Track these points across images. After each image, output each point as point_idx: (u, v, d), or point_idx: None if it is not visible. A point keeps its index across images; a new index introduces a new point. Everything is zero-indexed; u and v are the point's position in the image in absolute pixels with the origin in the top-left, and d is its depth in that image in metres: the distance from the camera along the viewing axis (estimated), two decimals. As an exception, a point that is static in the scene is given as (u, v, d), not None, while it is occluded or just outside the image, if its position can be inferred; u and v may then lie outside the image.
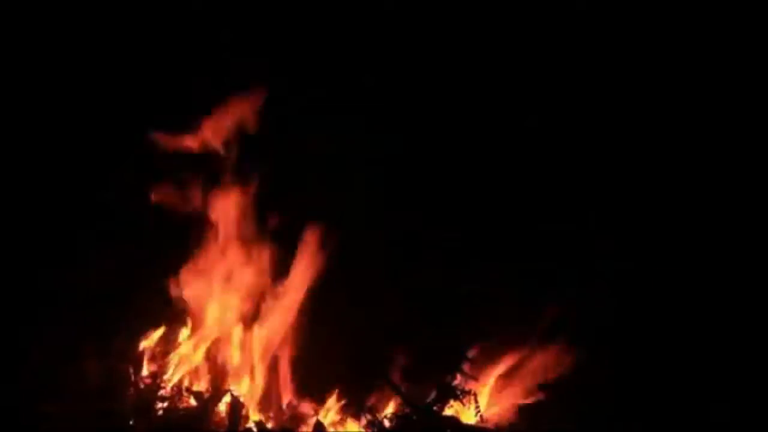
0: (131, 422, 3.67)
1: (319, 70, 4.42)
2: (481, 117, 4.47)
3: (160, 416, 3.73)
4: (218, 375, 3.93)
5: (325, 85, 4.38)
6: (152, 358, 3.95)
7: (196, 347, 4.00)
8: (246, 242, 4.06)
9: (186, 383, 3.90)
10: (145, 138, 4.05)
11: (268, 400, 3.90)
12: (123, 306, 4.07)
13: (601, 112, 4.42)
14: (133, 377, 3.85)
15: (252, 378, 3.93)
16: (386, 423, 3.70)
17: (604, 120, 4.42)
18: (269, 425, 3.78)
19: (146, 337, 3.99)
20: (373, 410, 3.76)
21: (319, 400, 3.88)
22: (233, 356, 3.96)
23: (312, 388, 3.93)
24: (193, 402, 3.80)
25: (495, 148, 4.46)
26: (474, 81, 4.46)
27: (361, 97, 4.37)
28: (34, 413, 3.63)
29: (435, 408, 3.73)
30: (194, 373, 3.96)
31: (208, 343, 3.99)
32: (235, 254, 4.06)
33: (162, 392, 3.81)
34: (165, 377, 3.90)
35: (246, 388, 3.90)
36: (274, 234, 4.07)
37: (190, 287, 4.02)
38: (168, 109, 4.23)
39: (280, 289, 4.01)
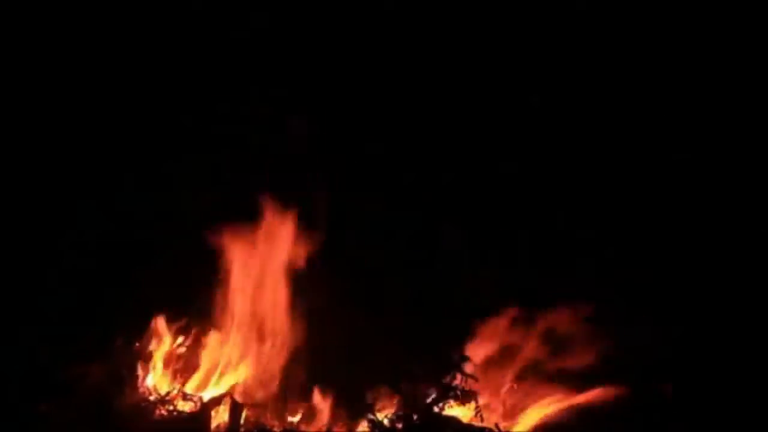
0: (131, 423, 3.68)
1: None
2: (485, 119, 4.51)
3: (161, 418, 3.73)
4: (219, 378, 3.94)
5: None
6: (152, 360, 3.96)
7: (198, 350, 4.01)
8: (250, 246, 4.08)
9: (186, 386, 3.90)
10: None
11: (269, 401, 3.90)
12: (124, 307, 4.08)
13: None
14: (133, 379, 3.86)
15: (253, 379, 3.93)
16: (386, 423, 3.69)
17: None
18: (270, 426, 3.78)
19: (147, 339, 4.01)
20: (373, 410, 3.76)
21: (321, 401, 3.87)
22: (235, 359, 3.97)
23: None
24: (192, 405, 3.80)
25: (511, 153, 4.49)
26: (474, 81, 4.49)
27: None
28: (34, 413, 3.64)
29: (435, 408, 3.72)
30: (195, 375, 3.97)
31: (210, 346, 4.00)
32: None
33: (162, 394, 3.81)
34: (165, 379, 3.91)
35: (247, 390, 3.90)
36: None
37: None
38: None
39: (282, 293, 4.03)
